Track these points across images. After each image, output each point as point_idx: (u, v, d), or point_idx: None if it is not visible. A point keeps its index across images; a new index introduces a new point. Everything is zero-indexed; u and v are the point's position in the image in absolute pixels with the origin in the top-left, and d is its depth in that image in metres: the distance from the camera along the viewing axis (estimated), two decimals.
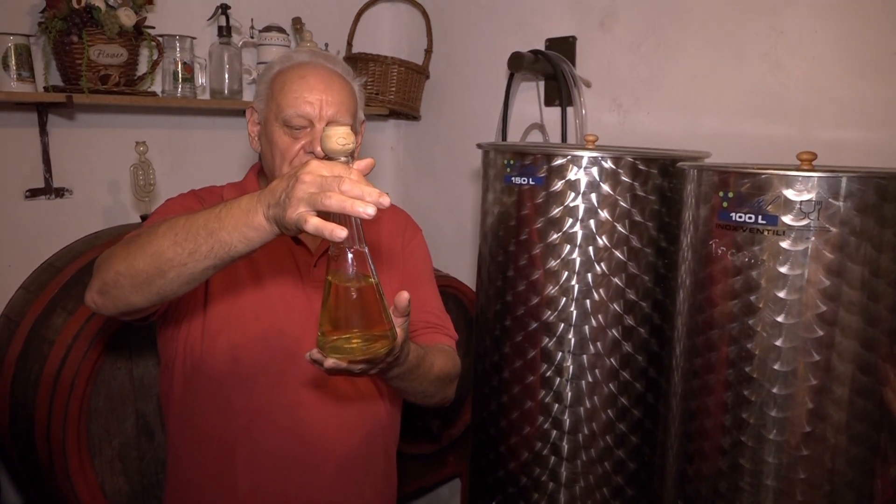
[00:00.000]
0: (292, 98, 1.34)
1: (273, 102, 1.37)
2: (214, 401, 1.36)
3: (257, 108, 1.43)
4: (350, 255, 0.97)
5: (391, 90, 2.62)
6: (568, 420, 1.68)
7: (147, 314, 1.24)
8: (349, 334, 1.00)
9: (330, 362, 1.06)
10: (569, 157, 1.62)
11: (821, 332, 1.29)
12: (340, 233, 0.91)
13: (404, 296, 1.08)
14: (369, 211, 0.90)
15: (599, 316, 1.65)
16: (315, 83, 1.35)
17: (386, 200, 0.92)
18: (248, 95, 2.40)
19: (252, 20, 2.40)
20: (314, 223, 0.92)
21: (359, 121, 1.43)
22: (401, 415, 1.59)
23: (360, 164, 0.98)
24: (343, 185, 0.91)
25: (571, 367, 1.67)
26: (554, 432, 1.69)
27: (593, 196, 1.62)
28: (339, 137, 0.95)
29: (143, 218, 2.10)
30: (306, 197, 0.92)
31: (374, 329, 1.00)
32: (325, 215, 0.93)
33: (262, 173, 1.49)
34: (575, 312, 1.65)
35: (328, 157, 0.97)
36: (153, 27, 2.09)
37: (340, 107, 1.35)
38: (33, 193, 2.06)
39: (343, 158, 0.96)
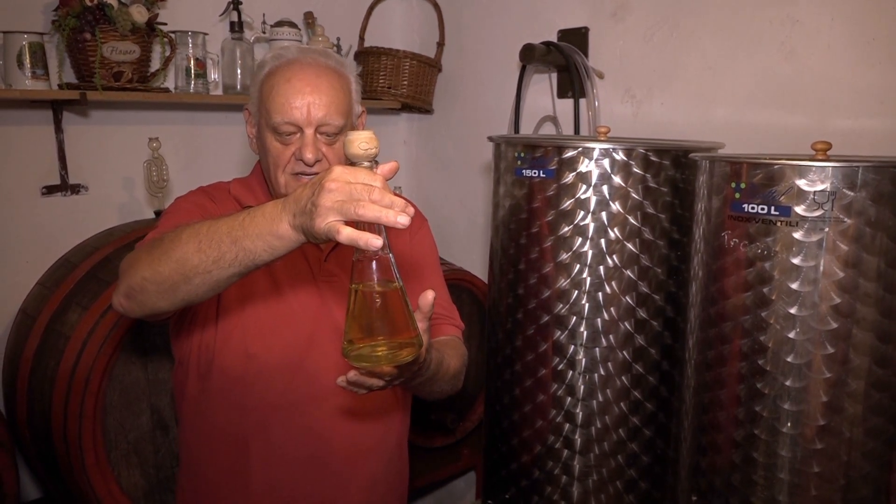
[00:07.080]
0: (279, 104, 1.31)
1: (263, 108, 1.35)
2: (229, 397, 1.37)
3: (251, 111, 1.41)
4: (375, 262, 0.95)
5: (403, 84, 2.61)
6: (580, 413, 1.67)
7: (171, 316, 1.25)
8: (375, 342, 0.97)
9: (353, 373, 1.05)
10: (580, 148, 1.61)
11: (835, 325, 1.27)
12: (377, 242, 0.89)
13: (429, 295, 1.07)
14: (403, 221, 0.89)
15: (612, 308, 1.63)
16: (301, 86, 1.31)
17: (411, 211, 0.91)
18: None
19: (264, 15, 2.40)
20: (347, 234, 0.90)
21: (355, 114, 1.40)
22: (411, 409, 1.59)
23: (384, 168, 0.95)
24: (373, 194, 0.90)
25: (584, 361, 1.66)
26: (567, 426, 1.69)
27: (605, 188, 1.60)
28: (363, 142, 0.92)
29: (157, 213, 2.11)
30: (335, 206, 0.90)
31: (400, 336, 0.98)
32: (354, 224, 0.91)
33: None
34: (587, 305, 1.64)
35: (351, 161, 0.94)
36: (165, 24, 2.10)
37: (330, 108, 1.32)
38: (49, 190, 2.08)
39: (366, 164, 0.94)
